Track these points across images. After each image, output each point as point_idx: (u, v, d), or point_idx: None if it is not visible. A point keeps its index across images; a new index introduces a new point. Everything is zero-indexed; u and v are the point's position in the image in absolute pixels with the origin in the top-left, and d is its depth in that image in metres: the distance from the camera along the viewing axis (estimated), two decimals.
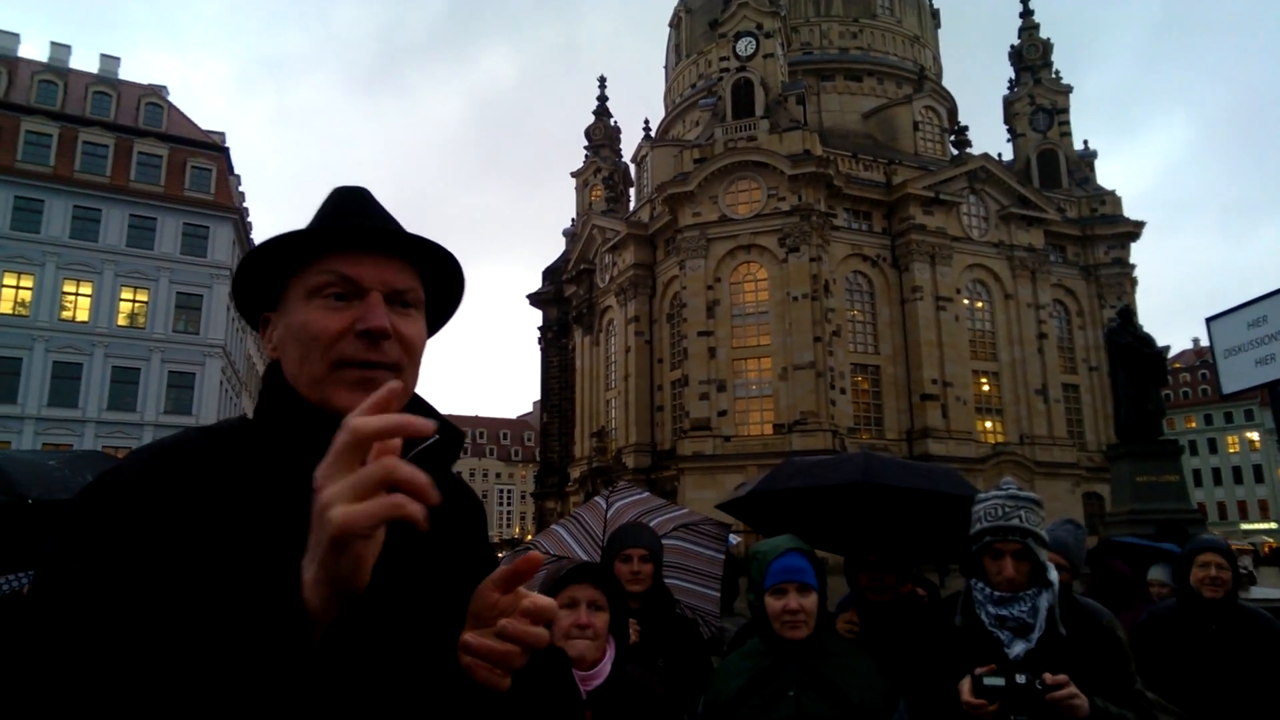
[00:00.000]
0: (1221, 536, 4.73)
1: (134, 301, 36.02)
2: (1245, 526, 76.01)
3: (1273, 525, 76.20)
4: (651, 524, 3.97)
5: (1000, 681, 2.26)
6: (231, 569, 0.85)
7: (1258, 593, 5.38)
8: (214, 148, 40.23)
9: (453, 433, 1.11)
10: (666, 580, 3.67)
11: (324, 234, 1.05)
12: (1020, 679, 2.24)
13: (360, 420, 0.79)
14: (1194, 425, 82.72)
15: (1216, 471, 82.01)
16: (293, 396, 1.04)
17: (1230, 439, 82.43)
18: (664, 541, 3.74)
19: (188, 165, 37.98)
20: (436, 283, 1.15)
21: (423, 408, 1.13)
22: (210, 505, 0.91)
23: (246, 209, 44.25)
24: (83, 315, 34.83)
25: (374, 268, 1.05)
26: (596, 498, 4.49)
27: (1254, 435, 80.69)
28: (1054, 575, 2.49)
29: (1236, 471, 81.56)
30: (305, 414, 1.01)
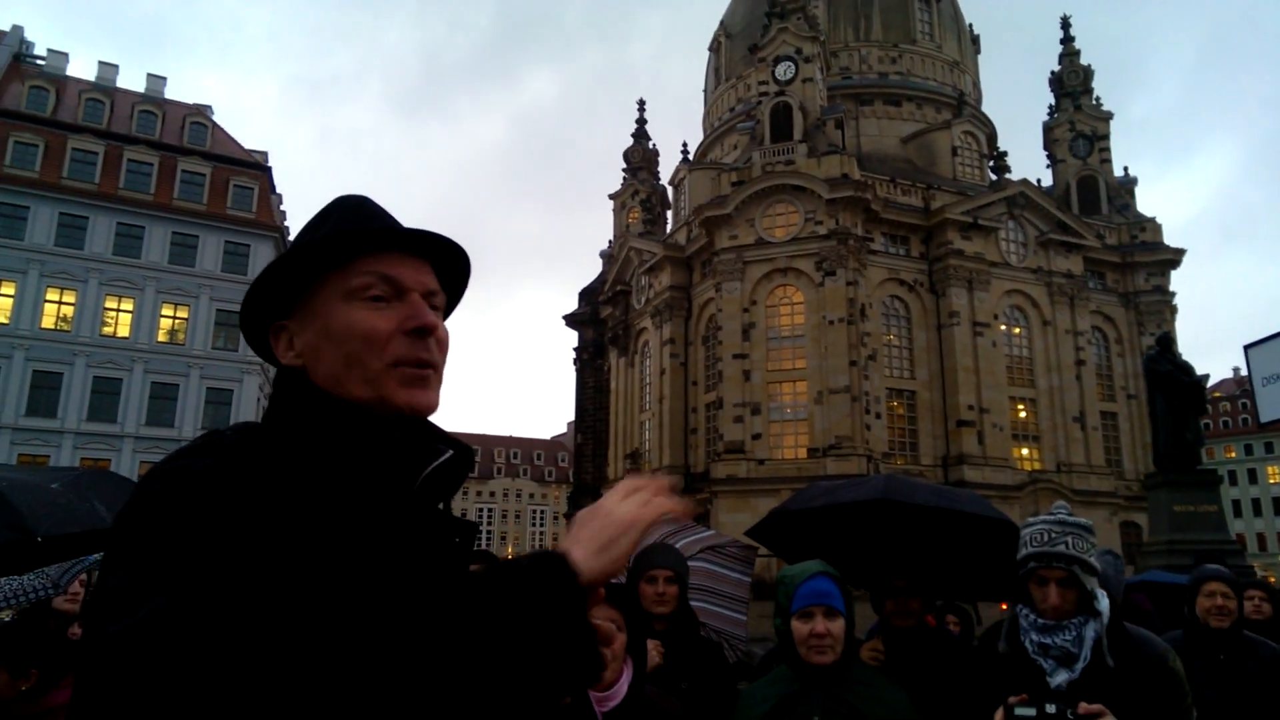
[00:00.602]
0: (1253, 568, 4.64)
1: (174, 318, 36.71)
2: None
3: None
4: (677, 545, 3.95)
5: (1032, 712, 2.20)
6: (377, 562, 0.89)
7: None
8: (256, 166, 41.07)
9: (465, 451, 1.12)
10: (692, 603, 3.65)
11: (369, 237, 1.08)
12: (1050, 709, 2.17)
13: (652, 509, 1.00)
14: (1234, 455, 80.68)
15: (1256, 502, 79.85)
16: (329, 400, 1.04)
17: (1271, 469, 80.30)
18: (690, 563, 3.72)
19: (230, 184, 38.78)
20: (445, 281, 1.18)
21: (433, 429, 1.13)
22: (281, 512, 0.90)
23: (287, 228, 45.06)
24: (124, 331, 35.53)
25: (411, 269, 1.09)
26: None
27: None
28: (1104, 604, 2.42)
29: (1277, 503, 79.39)
30: (353, 415, 1.02)
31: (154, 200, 36.88)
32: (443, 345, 1.11)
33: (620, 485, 1.03)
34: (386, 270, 1.07)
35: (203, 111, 41.59)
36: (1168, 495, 15.14)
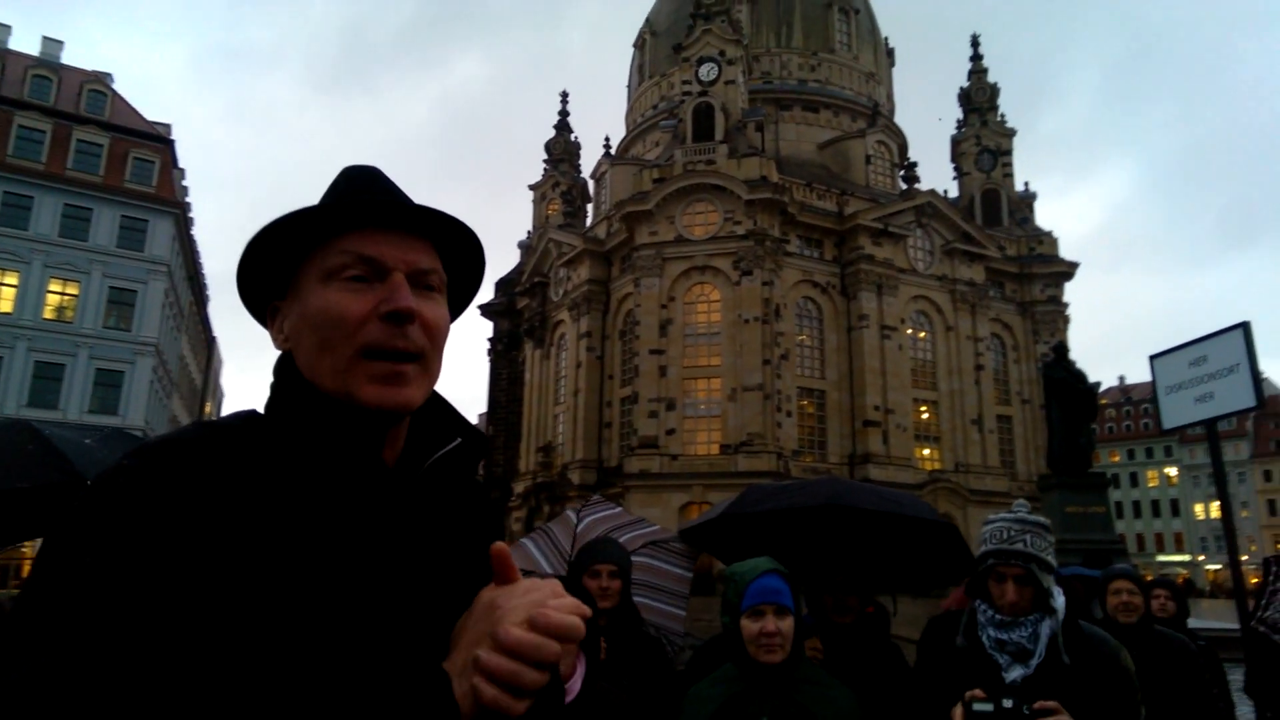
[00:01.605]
0: (1136, 567, 4.96)
1: (63, 294, 34.68)
2: (1161, 558, 78.65)
3: (1186, 558, 78.99)
4: (621, 539, 3.97)
5: (989, 707, 2.22)
6: (260, 576, 0.82)
7: (1194, 624, 5.60)
8: (158, 139, 39.16)
9: (477, 436, 1.08)
10: (634, 598, 3.66)
11: (338, 210, 0.98)
12: (1007, 704, 2.21)
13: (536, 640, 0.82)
14: (1118, 459, 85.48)
15: (1137, 504, 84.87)
16: (309, 390, 0.96)
17: (1151, 473, 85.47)
18: (633, 558, 3.74)
19: (129, 156, 36.87)
20: (457, 264, 1.08)
21: (445, 411, 1.08)
22: (234, 506, 0.85)
23: (189, 204, 43.14)
24: (6, 306, 33.35)
25: (395, 247, 0.98)
26: (568, 510, 4.47)
27: (1172, 471, 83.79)
28: (1060, 602, 2.48)
29: (1155, 505, 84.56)
30: (325, 407, 0.95)
31: (45, 169, 34.75)
32: (433, 331, 0.99)
33: (532, 591, 0.88)
34: (364, 249, 0.97)
35: (102, 79, 39.42)
36: (1060, 496, 15.89)
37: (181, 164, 42.06)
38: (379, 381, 0.95)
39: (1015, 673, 2.43)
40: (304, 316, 0.98)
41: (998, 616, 2.51)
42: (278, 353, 1.06)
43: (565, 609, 0.85)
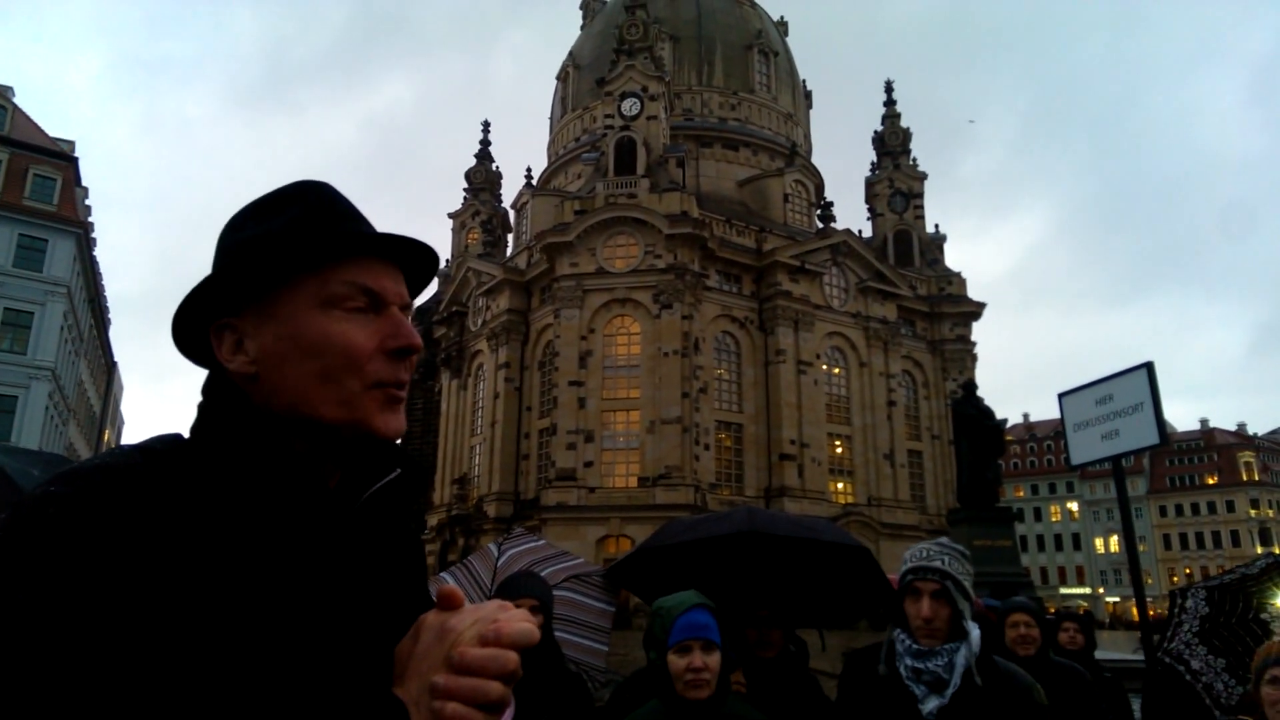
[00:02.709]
0: (1040, 599, 5.12)
1: None
2: (1064, 590, 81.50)
3: (1087, 590, 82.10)
4: (543, 573, 3.91)
5: None
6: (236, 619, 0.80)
7: (1100, 655, 5.81)
8: (61, 156, 37.55)
9: (416, 468, 1.06)
10: (555, 633, 3.61)
11: (345, 242, 0.98)
12: None
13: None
14: (1022, 494, 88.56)
15: (1040, 538, 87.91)
16: (268, 416, 0.94)
17: (1054, 508, 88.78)
18: (555, 592, 3.68)
19: (29, 173, 35.21)
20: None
21: (385, 445, 1.04)
22: (176, 536, 0.80)
23: (92, 224, 41.36)
24: None
25: (391, 280, 1.00)
26: (489, 544, 4.39)
27: (1074, 506, 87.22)
28: (975, 634, 2.53)
29: (1058, 539, 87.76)
30: (276, 437, 0.93)
31: None
32: (413, 365, 1.03)
33: (479, 610, 0.87)
34: (369, 282, 0.97)
35: (3, 93, 37.67)
36: (969, 530, 16.34)
37: (86, 182, 40.37)
38: (385, 407, 0.97)
39: (931, 704, 2.46)
40: (297, 341, 0.94)
41: (915, 646, 2.54)
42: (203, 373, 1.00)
43: (516, 618, 0.85)
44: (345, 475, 1.01)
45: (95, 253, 41.97)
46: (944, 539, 2.76)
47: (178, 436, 0.96)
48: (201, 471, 0.89)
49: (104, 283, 45.82)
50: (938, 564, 2.57)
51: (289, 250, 0.96)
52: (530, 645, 0.84)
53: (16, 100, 37.94)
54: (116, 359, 59.43)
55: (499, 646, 0.81)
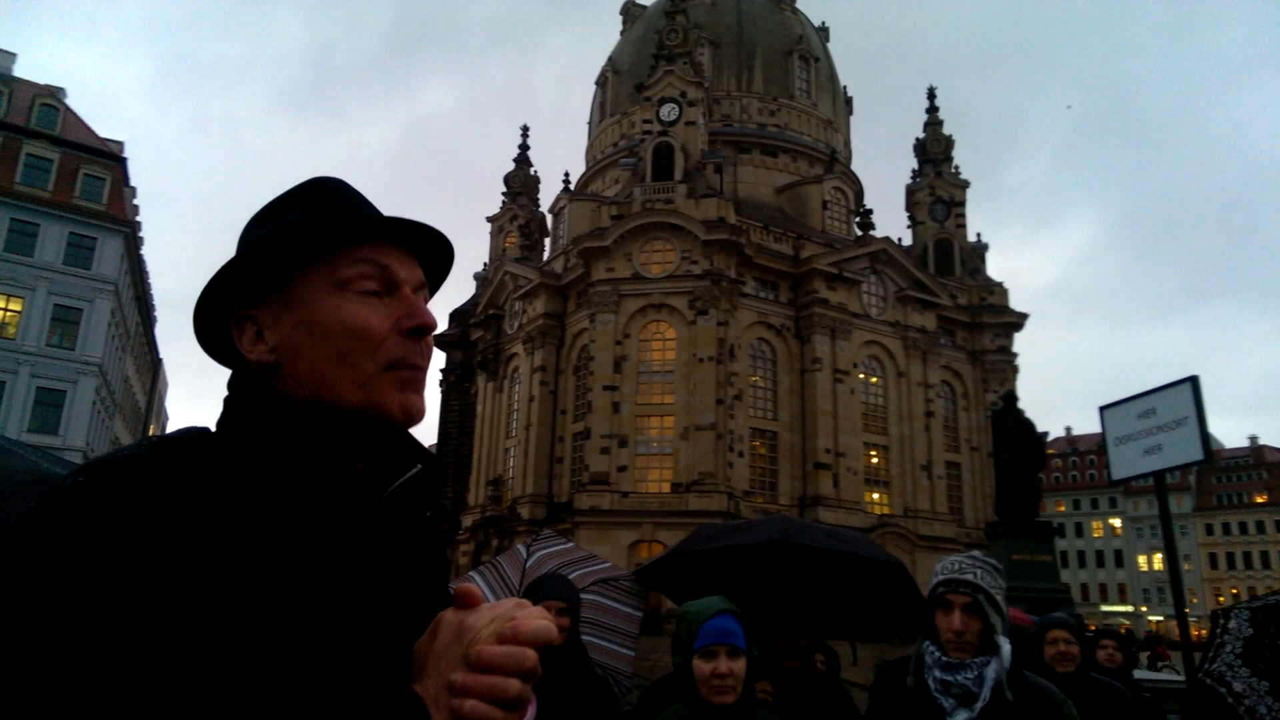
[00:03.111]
0: (1080, 616, 4.99)
1: (5, 310, 33.69)
2: (1105, 608, 79.88)
3: (1129, 608, 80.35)
4: (570, 576, 3.90)
5: None
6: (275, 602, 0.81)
7: (1137, 675, 5.68)
8: (110, 156, 38.45)
9: (436, 465, 1.05)
10: (582, 637, 3.59)
11: (362, 224, 0.99)
12: None
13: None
14: (1063, 509, 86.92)
15: (1081, 554, 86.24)
16: (293, 405, 0.94)
17: (1095, 524, 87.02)
18: (583, 596, 3.67)
19: (80, 172, 36.10)
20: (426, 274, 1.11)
21: (404, 438, 1.05)
22: (197, 526, 0.81)
23: (139, 223, 42.31)
24: None
25: (402, 262, 1.01)
26: (518, 545, 4.39)
27: (1116, 522, 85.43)
28: (1007, 649, 2.49)
29: (1099, 555, 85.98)
30: (319, 422, 0.94)
31: None
32: (431, 346, 1.03)
33: (496, 608, 0.87)
34: (381, 259, 0.98)
35: (54, 93, 38.70)
36: (1007, 544, 16.01)
37: (134, 181, 41.32)
38: (404, 389, 0.96)
39: (960, 717, 2.43)
40: (312, 327, 0.95)
41: (944, 658, 2.51)
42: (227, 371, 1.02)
43: (533, 616, 0.85)
44: (369, 468, 1.01)
45: (142, 251, 42.94)
46: (977, 552, 2.71)
47: (205, 429, 0.97)
48: (225, 462, 0.89)
49: (150, 281, 46.83)
50: (970, 577, 2.54)
51: (300, 239, 0.97)
52: (548, 643, 0.84)
53: (68, 101, 38.96)
54: (162, 356, 60.73)
55: (517, 644, 0.81)
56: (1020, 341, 48.68)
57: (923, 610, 2.68)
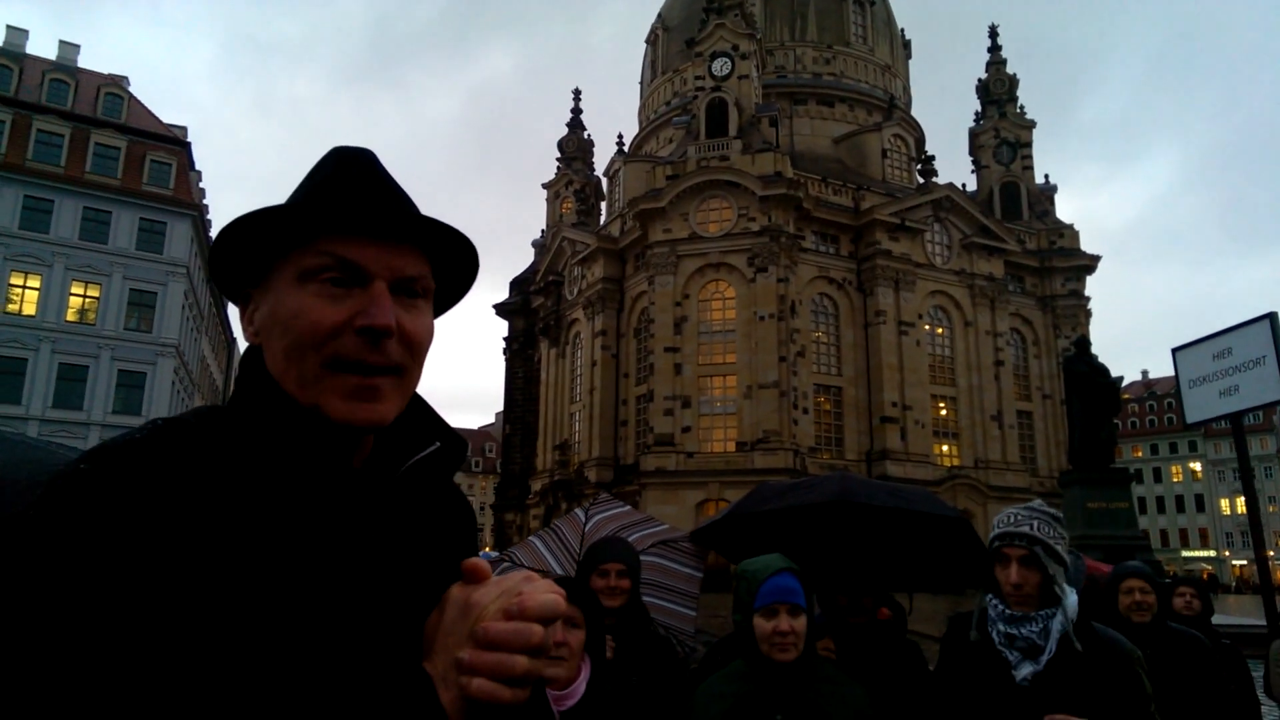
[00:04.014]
0: (1160, 563, 4.83)
1: (85, 296, 35.08)
2: (1186, 554, 77.95)
3: (1211, 553, 78.18)
4: (630, 539, 3.90)
5: None
6: (230, 585, 0.79)
7: (1218, 621, 5.51)
8: (175, 142, 39.49)
9: (456, 441, 1.02)
10: (643, 598, 3.59)
11: (318, 213, 0.91)
12: None
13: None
14: (1141, 454, 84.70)
15: (1160, 500, 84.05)
16: (275, 390, 0.91)
17: (1175, 468, 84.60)
18: (642, 558, 3.67)
19: (146, 159, 37.19)
20: (445, 264, 1.01)
21: (425, 413, 1.02)
22: (197, 510, 0.80)
23: (206, 205, 43.47)
24: (30, 309, 33.80)
25: (379, 252, 0.91)
26: (576, 510, 4.41)
27: (1196, 466, 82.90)
28: (1072, 600, 2.44)
29: (1179, 500, 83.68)
30: (292, 412, 0.90)
31: (65, 173, 35.14)
32: (414, 344, 0.93)
33: (503, 582, 0.85)
34: (345, 253, 0.90)
35: (118, 82, 39.79)
36: (1082, 492, 15.70)
37: (203, 164, 42.43)
38: (349, 396, 0.89)
39: (1025, 670, 2.40)
40: (275, 315, 0.91)
41: (1008, 611, 2.48)
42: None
43: (540, 590, 0.83)
44: (381, 447, 0.97)
45: (211, 233, 44.17)
46: (1037, 502, 2.64)
47: (213, 408, 0.95)
48: (224, 443, 0.87)
49: None
50: (1025, 529, 2.48)
51: (270, 222, 0.92)
52: (555, 618, 0.82)
53: (132, 89, 40.02)
54: (235, 334, 62.63)
55: (524, 620, 0.80)
56: (1095, 284, 47.07)
57: (984, 563, 2.62)
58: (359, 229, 0.91)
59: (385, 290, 0.91)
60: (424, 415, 1.02)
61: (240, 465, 0.86)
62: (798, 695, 2.49)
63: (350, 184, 0.94)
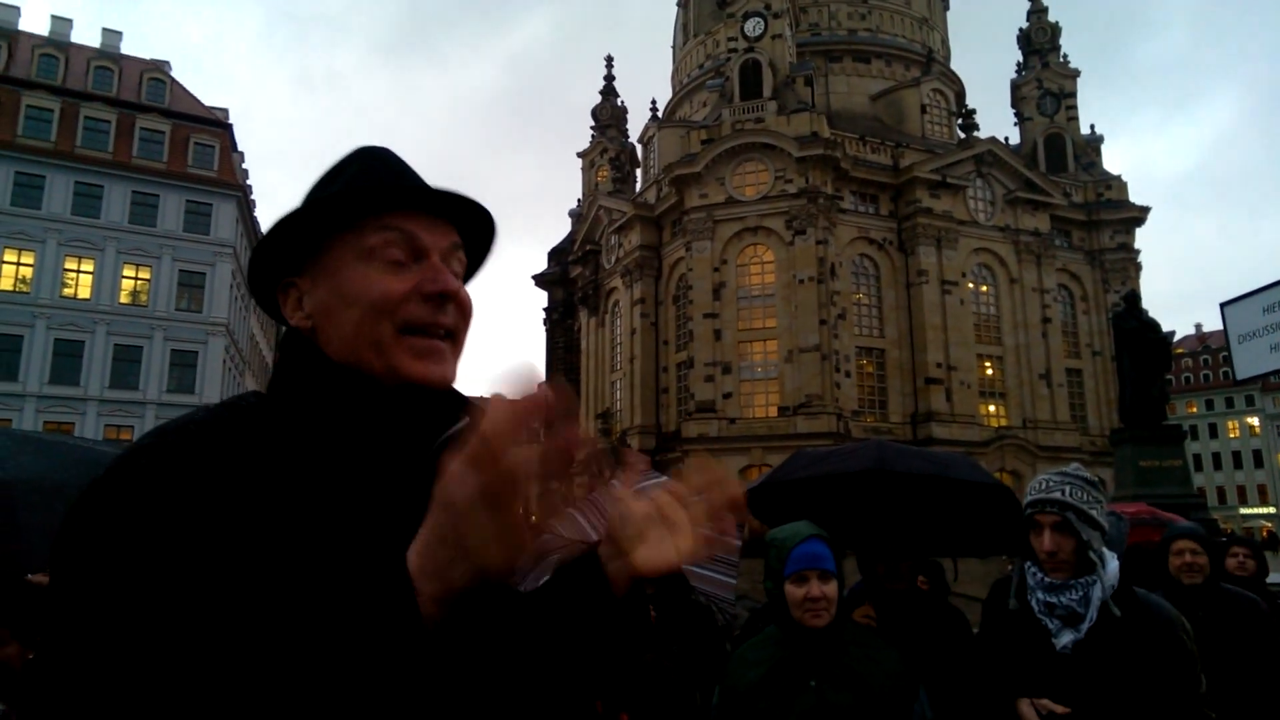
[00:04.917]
0: (1216, 521, 4.74)
1: (136, 279, 35.92)
2: (1244, 511, 76.23)
3: (1271, 510, 76.38)
4: None
5: None
6: (303, 559, 0.82)
7: (1276, 579, 5.42)
8: (217, 124, 40.03)
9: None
10: (683, 567, 3.64)
11: (388, 194, 1.02)
12: None
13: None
14: (1195, 410, 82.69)
15: (1216, 456, 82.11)
16: (334, 367, 0.98)
17: (1231, 424, 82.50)
18: None
19: (190, 142, 37.79)
20: (471, 237, 1.12)
21: (454, 392, 1.07)
22: (260, 487, 0.85)
23: (250, 186, 44.07)
24: (84, 293, 34.72)
25: (429, 230, 1.02)
26: (613, 481, 4.45)
27: (1254, 421, 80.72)
28: (1113, 566, 2.42)
29: (1236, 456, 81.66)
30: (357, 383, 0.97)
31: (112, 159, 35.85)
32: (465, 311, 1.04)
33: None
34: (406, 227, 1.01)
35: (160, 67, 40.38)
36: (1133, 450, 15.42)
37: (245, 141, 43.06)
38: (420, 357, 0.98)
39: (1066, 638, 2.38)
40: (340, 293, 0.99)
41: (1047, 580, 2.46)
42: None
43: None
44: (415, 424, 1.02)
45: (255, 213, 44.82)
46: (1072, 466, 2.61)
47: (258, 393, 1.02)
48: (274, 424, 0.93)
49: None
50: (1057, 495, 2.46)
51: (327, 210, 1.01)
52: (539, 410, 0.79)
53: (174, 72, 40.58)
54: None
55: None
56: (1146, 236, 45.80)
57: (1021, 531, 2.61)
58: (412, 208, 1.02)
59: (441, 262, 1.02)
60: (454, 395, 1.08)
61: (301, 442, 0.92)
62: (831, 660, 2.52)
63: (389, 172, 1.05)
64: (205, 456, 0.85)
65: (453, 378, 1.02)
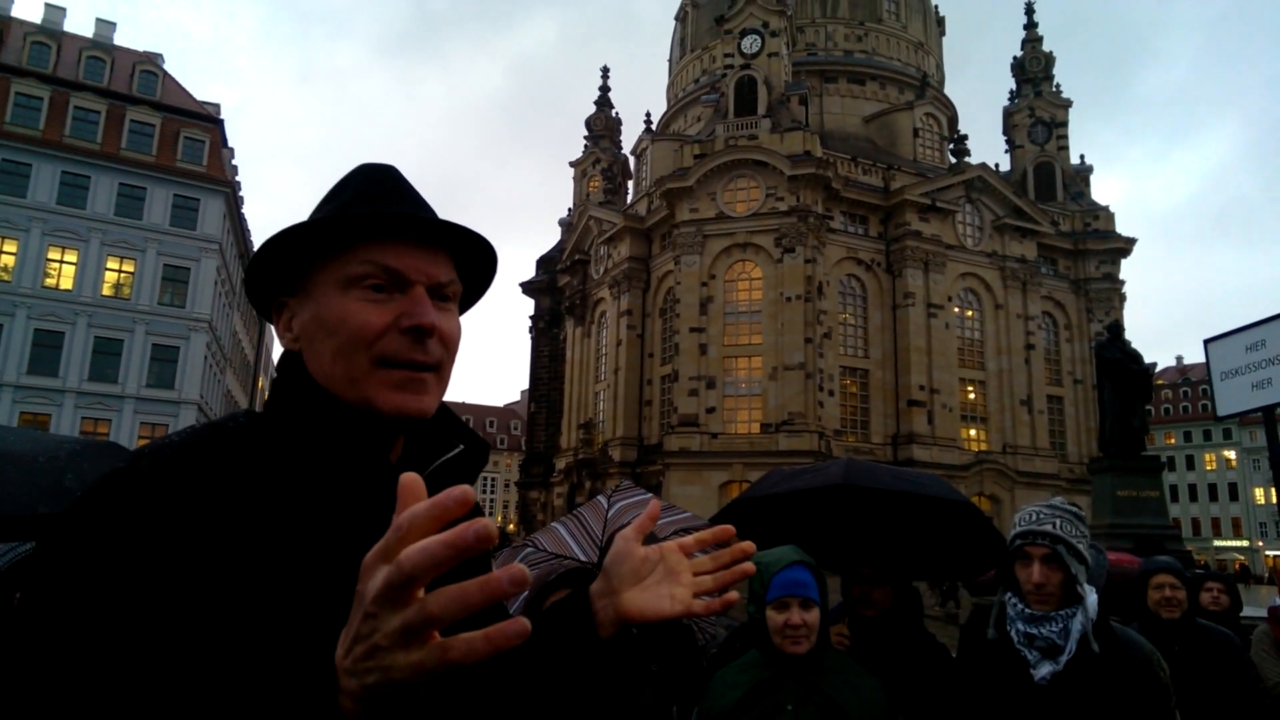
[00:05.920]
0: (1190, 553, 4.78)
1: (120, 271, 35.56)
2: (1218, 543, 76.86)
3: (1244, 543, 77.05)
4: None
5: None
6: (264, 589, 0.81)
7: (1250, 613, 5.44)
8: (208, 119, 39.83)
9: (478, 444, 1.07)
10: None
11: (364, 222, 0.98)
12: None
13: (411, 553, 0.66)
14: (1173, 441, 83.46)
15: (1193, 488, 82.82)
16: (318, 393, 0.97)
17: (1208, 456, 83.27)
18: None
19: (180, 136, 37.57)
20: (468, 265, 1.09)
21: (449, 418, 1.08)
22: (234, 514, 0.84)
23: (239, 183, 43.85)
24: (66, 283, 34.33)
25: (417, 259, 0.99)
26: (599, 496, 4.45)
27: (1231, 454, 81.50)
28: (1092, 599, 2.42)
29: (1212, 489, 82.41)
30: (338, 412, 0.96)
31: (100, 150, 35.59)
32: (449, 343, 1.01)
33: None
34: (388, 260, 0.97)
35: (153, 59, 40.16)
36: (1112, 480, 15.49)
37: (243, 135, 43.31)
38: (397, 389, 0.96)
39: (1044, 670, 2.39)
40: (320, 320, 0.98)
41: (1027, 610, 2.46)
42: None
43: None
44: (410, 449, 1.04)
45: (243, 210, 44.58)
46: (1058, 499, 2.62)
47: (250, 412, 1.02)
48: (265, 445, 0.93)
49: (252, 239, 48.69)
50: (1048, 527, 2.47)
51: (312, 234, 1.00)
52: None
53: (170, 63, 40.41)
54: None
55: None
56: (1133, 268, 46.23)
57: (1003, 559, 2.61)
58: (399, 236, 0.99)
59: (425, 294, 0.99)
60: (448, 420, 1.08)
61: (285, 465, 0.91)
62: (809, 685, 2.52)
63: (383, 196, 1.02)
64: (174, 485, 0.84)
65: (433, 409, 1.00)
